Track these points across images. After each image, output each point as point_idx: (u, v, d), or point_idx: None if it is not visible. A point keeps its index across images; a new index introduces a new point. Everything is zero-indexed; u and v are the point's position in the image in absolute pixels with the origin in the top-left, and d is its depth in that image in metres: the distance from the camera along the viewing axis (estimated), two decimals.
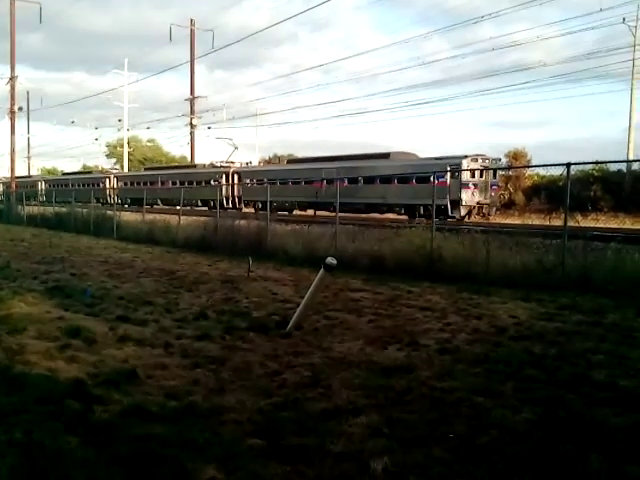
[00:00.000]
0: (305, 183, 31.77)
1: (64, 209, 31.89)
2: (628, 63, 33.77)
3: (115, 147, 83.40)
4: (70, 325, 7.32)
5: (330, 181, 27.92)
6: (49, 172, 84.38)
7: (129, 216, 26.60)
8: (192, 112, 49.38)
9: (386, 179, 29.74)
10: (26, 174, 74.84)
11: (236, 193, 40.79)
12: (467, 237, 12.81)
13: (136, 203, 38.63)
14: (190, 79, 49.68)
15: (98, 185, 51.01)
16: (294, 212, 34.91)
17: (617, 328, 7.43)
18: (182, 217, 22.91)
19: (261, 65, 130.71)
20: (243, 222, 18.90)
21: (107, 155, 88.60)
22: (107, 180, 53.35)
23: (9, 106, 48.61)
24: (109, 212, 27.28)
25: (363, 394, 4.97)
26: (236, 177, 41.25)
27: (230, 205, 39.63)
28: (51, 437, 3.98)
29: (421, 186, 26.27)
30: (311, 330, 7.40)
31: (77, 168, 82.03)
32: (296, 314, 7.52)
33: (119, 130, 68.13)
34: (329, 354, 6.28)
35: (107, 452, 3.80)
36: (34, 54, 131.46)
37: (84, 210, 29.83)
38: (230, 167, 43.06)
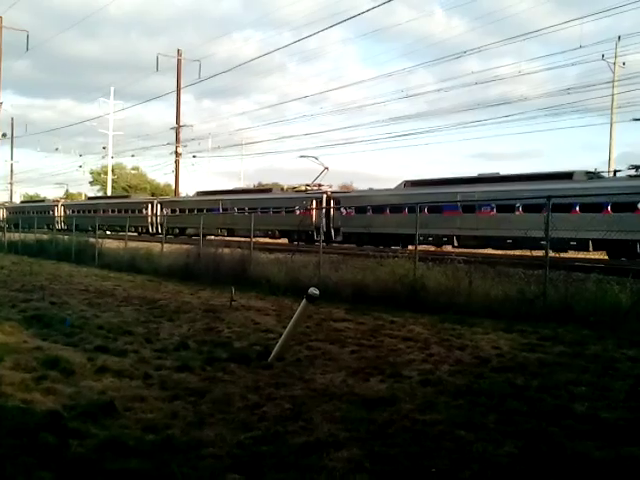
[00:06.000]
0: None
1: (45, 236, 31.60)
2: (608, 98, 34.67)
3: (99, 174, 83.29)
4: (48, 355, 7.18)
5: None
6: (32, 198, 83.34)
7: (111, 244, 26.40)
8: (177, 141, 49.47)
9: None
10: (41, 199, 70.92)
11: None
12: (450, 267, 12.85)
13: (379, 241, 28.69)
14: (176, 108, 49.92)
15: (291, 212, 33.61)
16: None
17: (599, 359, 7.44)
18: (165, 245, 22.78)
19: (248, 95, 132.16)
20: (226, 250, 18.84)
21: (91, 182, 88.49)
22: (312, 203, 33.60)
23: None
24: (91, 239, 27.07)
25: (345, 427, 4.91)
26: None
27: None
28: (24, 473, 3.87)
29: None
30: (293, 361, 7.33)
31: (60, 195, 78.90)
32: (278, 345, 7.46)
33: (103, 157, 68.26)
34: (311, 386, 6.22)
35: None
36: (20, 81, 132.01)
37: (65, 237, 29.55)
38: None
